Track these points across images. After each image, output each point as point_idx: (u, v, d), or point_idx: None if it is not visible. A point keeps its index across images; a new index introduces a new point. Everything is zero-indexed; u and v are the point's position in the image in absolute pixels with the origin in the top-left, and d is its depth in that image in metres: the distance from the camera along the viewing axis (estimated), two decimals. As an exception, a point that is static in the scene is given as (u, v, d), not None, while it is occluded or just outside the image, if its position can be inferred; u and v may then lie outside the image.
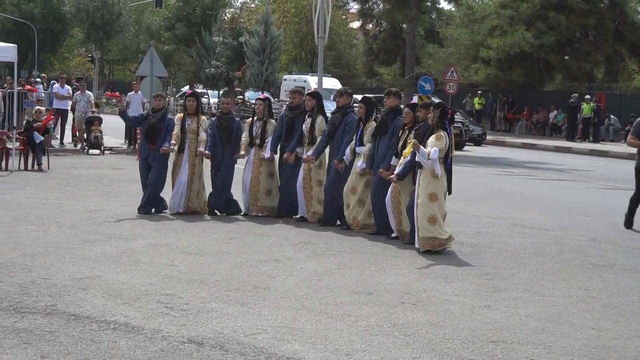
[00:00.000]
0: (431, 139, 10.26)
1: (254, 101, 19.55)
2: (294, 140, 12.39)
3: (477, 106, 43.75)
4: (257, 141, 12.68)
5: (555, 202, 16.30)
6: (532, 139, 37.42)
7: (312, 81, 37.01)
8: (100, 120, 22.81)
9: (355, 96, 18.59)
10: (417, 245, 10.37)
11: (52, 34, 67.37)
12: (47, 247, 9.66)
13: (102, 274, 8.44)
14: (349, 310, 7.46)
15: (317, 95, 12.64)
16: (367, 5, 47.79)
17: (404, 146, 10.82)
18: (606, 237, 12.26)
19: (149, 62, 23.03)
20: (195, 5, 49.79)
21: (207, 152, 12.47)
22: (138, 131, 16.13)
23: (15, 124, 18.94)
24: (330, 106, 16.91)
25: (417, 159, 10.26)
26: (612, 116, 38.10)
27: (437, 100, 24.65)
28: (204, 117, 12.85)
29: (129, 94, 25.78)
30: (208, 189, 12.87)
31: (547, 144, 34.80)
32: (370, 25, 50.93)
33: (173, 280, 8.31)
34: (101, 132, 22.60)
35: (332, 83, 38.08)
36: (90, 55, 64.23)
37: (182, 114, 12.82)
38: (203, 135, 12.53)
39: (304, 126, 12.35)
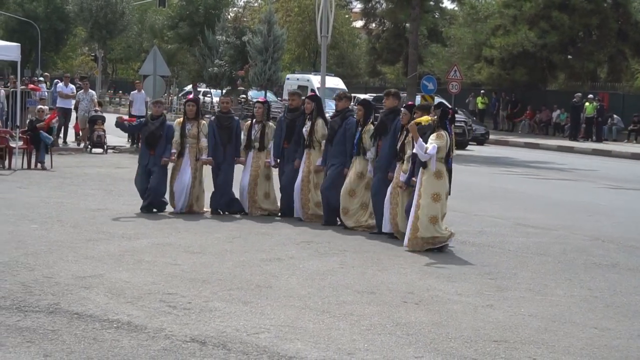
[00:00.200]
0: (432, 137, 10.28)
1: (257, 100, 19.54)
2: (299, 148, 12.37)
3: (480, 105, 43.71)
4: (256, 144, 12.69)
5: (558, 201, 16.29)
6: (535, 139, 37.37)
7: (315, 80, 36.96)
8: (103, 119, 22.83)
9: (358, 96, 18.58)
10: (404, 244, 10.36)
11: (56, 33, 67.47)
12: (50, 245, 9.67)
13: (104, 272, 8.45)
14: (352, 309, 7.46)
15: (316, 99, 12.66)
16: (370, 5, 47.81)
17: (402, 148, 10.84)
18: (609, 236, 12.25)
19: (152, 61, 23.06)
20: (199, 4, 49.84)
21: (210, 158, 12.51)
22: None
23: (18, 123, 18.95)
24: (333, 106, 16.90)
25: (415, 150, 10.28)
26: (615, 116, 38.04)
27: (439, 100, 24.67)
28: (203, 122, 12.83)
29: (132, 93, 25.80)
30: (209, 188, 12.87)
31: (550, 144, 34.77)
32: (373, 25, 50.94)
33: (176, 279, 8.32)
34: (104, 131, 22.62)
35: (335, 82, 38.01)
36: (93, 54, 64.30)
37: (181, 119, 12.82)
38: (204, 142, 12.52)
39: (304, 129, 12.34)
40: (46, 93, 25.85)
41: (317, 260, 9.57)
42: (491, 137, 36.12)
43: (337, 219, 12.03)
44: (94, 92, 25.08)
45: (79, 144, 23.63)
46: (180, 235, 10.87)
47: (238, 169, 13.01)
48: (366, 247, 10.55)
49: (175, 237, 10.71)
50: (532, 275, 9.33)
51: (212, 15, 47.61)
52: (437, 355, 6.30)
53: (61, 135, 23.59)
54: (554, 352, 6.52)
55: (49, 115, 19.89)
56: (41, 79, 33.62)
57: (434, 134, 10.31)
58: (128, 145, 24.13)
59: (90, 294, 7.57)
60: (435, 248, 10.29)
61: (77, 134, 24.29)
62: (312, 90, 28.66)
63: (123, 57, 72.34)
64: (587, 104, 37.39)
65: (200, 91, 42.37)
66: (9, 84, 26.01)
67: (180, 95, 44.75)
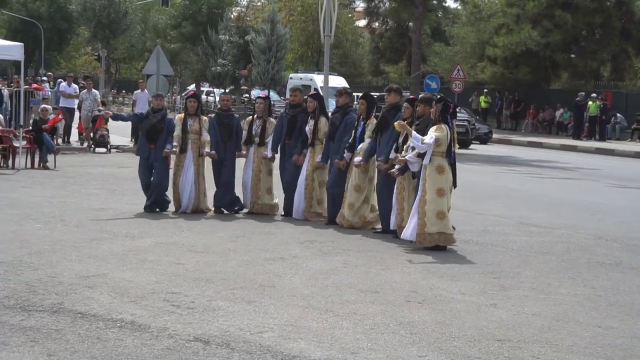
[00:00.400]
0: (432, 130, 10.30)
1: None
2: (299, 143, 12.39)
3: (483, 104, 43.69)
4: (257, 139, 12.71)
5: (561, 200, 16.27)
6: (538, 138, 37.35)
7: (318, 79, 36.94)
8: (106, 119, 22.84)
9: (360, 94, 18.58)
10: (412, 239, 10.34)
11: (59, 32, 67.57)
12: (53, 245, 9.69)
13: (108, 272, 8.45)
14: (355, 308, 7.46)
15: (318, 97, 12.67)
16: (373, 4, 47.87)
17: (404, 141, 10.86)
18: (612, 235, 12.24)
19: (156, 61, 23.06)
20: (202, 3, 49.91)
21: (213, 152, 12.51)
22: None
23: (22, 123, 18.98)
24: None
25: (411, 143, 10.30)
26: (618, 114, 38.01)
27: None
28: (205, 118, 12.86)
29: (135, 92, 25.82)
30: (211, 187, 12.87)
31: (553, 143, 34.74)
32: (377, 24, 50.98)
33: (179, 278, 8.32)
34: (107, 130, 22.65)
35: (338, 81, 37.96)
36: (96, 53, 64.40)
37: (182, 115, 12.83)
38: (206, 136, 12.54)
39: (307, 128, 12.35)
40: (49, 93, 25.90)
41: (321, 260, 9.57)
42: (494, 136, 36.09)
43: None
44: (97, 92, 25.11)
45: (82, 144, 23.65)
46: (184, 234, 10.87)
47: (239, 166, 13.01)
48: (369, 247, 10.55)
49: (179, 236, 10.72)
50: (536, 274, 9.33)
51: (215, 15, 47.69)
52: (440, 354, 6.30)
53: (61, 134, 23.62)
54: (557, 351, 6.52)
55: (53, 115, 19.92)
56: (44, 78, 33.67)
57: (434, 127, 10.34)
58: (131, 145, 24.13)
59: (93, 294, 7.57)
60: (440, 246, 10.28)
61: (80, 134, 24.31)
62: (315, 89, 28.65)
63: (126, 57, 72.46)
64: (590, 102, 37.36)
65: (203, 90, 42.41)
66: (12, 84, 26.02)
67: (184, 94, 44.78)
